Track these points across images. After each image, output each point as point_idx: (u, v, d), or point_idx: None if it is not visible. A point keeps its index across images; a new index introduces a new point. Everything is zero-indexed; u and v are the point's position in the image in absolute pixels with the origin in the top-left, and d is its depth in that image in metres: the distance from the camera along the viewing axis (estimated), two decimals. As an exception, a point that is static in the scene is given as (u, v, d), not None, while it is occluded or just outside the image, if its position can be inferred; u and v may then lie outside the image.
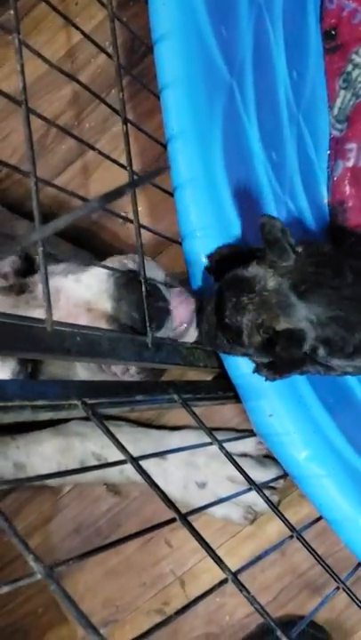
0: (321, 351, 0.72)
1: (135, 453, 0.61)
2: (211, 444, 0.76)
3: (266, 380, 0.76)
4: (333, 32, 1.06)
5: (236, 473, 0.75)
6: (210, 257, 0.81)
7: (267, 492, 1.01)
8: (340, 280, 0.73)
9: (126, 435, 1.10)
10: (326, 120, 1.07)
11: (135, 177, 0.80)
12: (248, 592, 0.53)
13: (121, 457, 0.60)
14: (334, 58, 1.06)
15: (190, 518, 0.60)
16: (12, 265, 0.84)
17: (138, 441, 1.09)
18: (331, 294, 0.72)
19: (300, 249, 0.74)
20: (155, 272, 0.82)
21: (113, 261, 0.81)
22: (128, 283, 0.77)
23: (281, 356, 0.70)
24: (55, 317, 0.75)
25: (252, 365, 0.80)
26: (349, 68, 1.05)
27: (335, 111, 1.06)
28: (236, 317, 0.73)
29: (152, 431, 1.12)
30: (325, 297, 0.71)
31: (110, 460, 1.07)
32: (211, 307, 0.77)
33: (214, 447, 0.76)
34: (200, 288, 0.83)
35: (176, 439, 1.10)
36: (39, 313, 0.78)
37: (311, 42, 1.07)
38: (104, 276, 0.78)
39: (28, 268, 0.85)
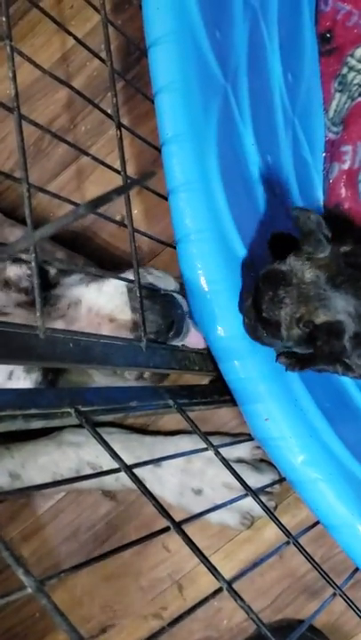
0: (348, 346, 0.72)
1: (130, 461, 0.61)
2: (206, 449, 0.76)
3: (286, 370, 0.76)
4: (329, 35, 1.05)
5: (232, 479, 0.74)
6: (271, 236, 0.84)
7: (263, 498, 1.00)
8: None
9: (120, 442, 1.09)
10: (322, 123, 1.07)
11: (129, 181, 0.80)
12: (243, 601, 0.53)
13: (116, 465, 0.60)
14: (330, 60, 1.06)
15: (187, 523, 0.60)
16: (31, 279, 0.85)
17: (132, 449, 1.09)
18: None
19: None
20: (167, 282, 0.86)
21: (131, 274, 0.82)
22: (150, 295, 0.81)
23: (322, 350, 0.71)
24: (77, 327, 0.78)
25: (247, 369, 0.79)
26: (345, 70, 1.04)
27: (331, 114, 1.06)
28: (273, 311, 0.73)
29: (146, 438, 1.11)
30: None
31: (105, 468, 1.06)
32: (249, 301, 0.76)
33: (209, 453, 0.76)
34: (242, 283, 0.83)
35: (171, 446, 1.09)
36: (60, 324, 0.80)
37: (306, 44, 1.06)
38: (124, 288, 0.82)
39: (45, 281, 0.87)
